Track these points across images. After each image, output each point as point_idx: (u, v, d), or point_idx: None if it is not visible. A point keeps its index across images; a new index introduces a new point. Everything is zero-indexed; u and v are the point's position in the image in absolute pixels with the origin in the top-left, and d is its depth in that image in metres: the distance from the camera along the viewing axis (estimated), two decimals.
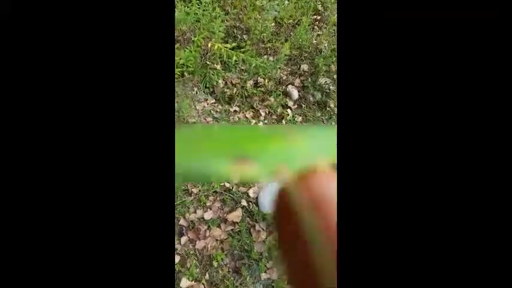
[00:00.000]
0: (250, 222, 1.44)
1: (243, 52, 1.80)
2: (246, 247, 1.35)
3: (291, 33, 2.09)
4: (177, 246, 1.34)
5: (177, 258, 1.30)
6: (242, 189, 1.52)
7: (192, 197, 1.47)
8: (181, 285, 1.23)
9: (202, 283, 1.26)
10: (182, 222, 1.40)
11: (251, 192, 1.51)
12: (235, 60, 1.78)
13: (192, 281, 1.25)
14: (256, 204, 1.48)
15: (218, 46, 1.72)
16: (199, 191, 1.49)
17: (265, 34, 1.99)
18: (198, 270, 1.29)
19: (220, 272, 1.29)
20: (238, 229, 1.40)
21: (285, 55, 1.86)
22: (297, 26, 2.10)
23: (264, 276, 1.30)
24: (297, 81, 1.91)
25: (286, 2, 2.13)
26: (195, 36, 1.77)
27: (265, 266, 1.32)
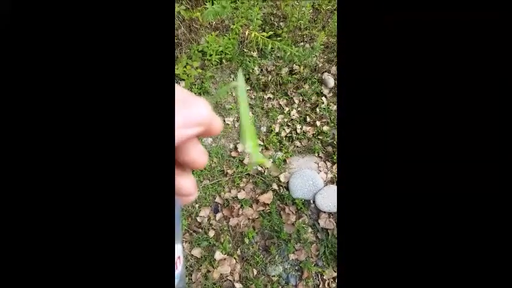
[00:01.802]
0: (281, 205, 1.50)
1: (280, 41, 1.81)
2: (275, 228, 1.42)
3: (329, 20, 2.05)
4: (212, 221, 1.45)
5: (211, 233, 1.41)
6: (273, 173, 1.57)
7: (227, 177, 1.56)
8: (215, 257, 1.34)
9: (234, 257, 1.35)
10: (218, 200, 1.50)
11: (282, 177, 1.56)
12: (271, 48, 1.81)
13: (225, 254, 1.35)
14: (287, 188, 1.53)
15: (255, 34, 1.75)
16: (234, 172, 1.57)
17: (302, 21, 1.98)
18: (230, 245, 1.38)
19: (251, 248, 1.38)
20: (268, 210, 1.47)
21: (321, 44, 1.84)
22: (335, 12, 2.06)
23: (292, 256, 1.36)
24: (334, 69, 1.88)
25: None
26: (233, 24, 1.82)
27: (294, 247, 1.37)
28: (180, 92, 0.18)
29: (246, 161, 1.61)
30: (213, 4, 1.54)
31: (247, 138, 0.23)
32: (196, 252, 1.36)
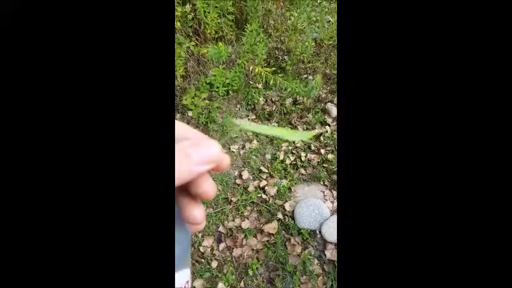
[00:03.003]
0: (286, 235, 1.46)
1: (282, 77, 1.87)
2: (280, 259, 1.37)
3: (331, 54, 2.15)
4: (215, 252, 1.41)
5: (214, 264, 1.37)
6: (278, 201, 1.56)
7: (231, 205, 1.55)
8: None
9: None
10: (221, 229, 1.47)
11: (287, 206, 1.54)
12: (273, 83, 1.87)
13: (228, 286, 1.30)
14: (292, 218, 1.50)
15: (259, 69, 1.84)
16: (238, 200, 1.56)
17: (305, 55, 2.08)
18: (234, 277, 1.33)
19: (254, 281, 1.32)
20: (273, 241, 1.43)
21: (318, 85, 1.86)
22: (336, 46, 2.16)
23: None
24: (336, 99, 1.93)
25: (326, 24, 2.21)
26: (239, 59, 1.92)
27: (299, 280, 1.31)
28: (195, 133, 0.22)
29: (250, 189, 1.60)
30: (214, 47, 1.65)
31: (287, 135, 0.24)
32: (199, 284, 1.31)
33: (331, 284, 1.29)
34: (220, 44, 1.65)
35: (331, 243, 1.41)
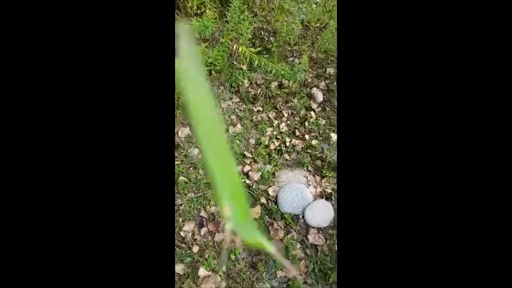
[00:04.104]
0: (269, 220, 1.45)
1: (267, 58, 1.81)
2: None
3: (318, 37, 2.10)
4: (196, 236, 1.38)
5: (195, 248, 1.34)
6: (262, 186, 1.54)
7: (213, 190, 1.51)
8: (199, 273, 1.26)
9: (219, 274, 1.28)
10: (203, 213, 1.44)
11: (270, 191, 1.52)
12: (258, 64, 1.81)
13: (209, 271, 1.28)
14: (275, 203, 1.50)
15: (243, 49, 1.76)
16: None
17: (291, 37, 2.02)
18: (215, 261, 1.31)
19: (237, 265, 1.31)
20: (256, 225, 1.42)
21: (305, 65, 1.80)
22: (324, 29, 2.11)
23: (279, 273, 1.30)
24: (322, 84, 1.91)
25: (314, 5, 2.15)
26: (223, 37, 1.83)
27: (282, 264, 1.32)
28: None
29: None
30: (198, 20, 1.54)
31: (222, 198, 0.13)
32: (179, 268, 1.28)
33: (313, 268, 1.31)
34: (204, 17, 1.54)
35: (313, 227, 1.43)
